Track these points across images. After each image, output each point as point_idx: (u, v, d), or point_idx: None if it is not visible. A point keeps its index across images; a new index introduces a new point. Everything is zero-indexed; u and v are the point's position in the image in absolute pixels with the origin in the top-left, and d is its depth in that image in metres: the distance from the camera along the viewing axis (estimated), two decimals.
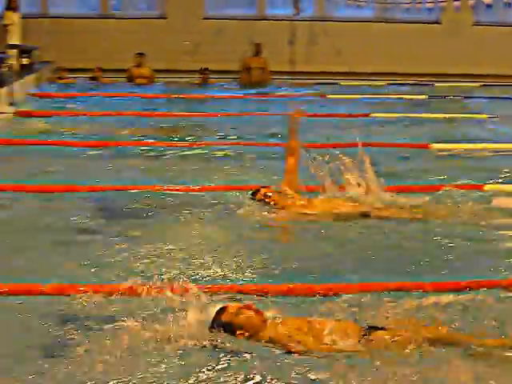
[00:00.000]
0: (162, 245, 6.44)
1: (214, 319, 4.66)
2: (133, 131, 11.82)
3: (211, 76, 17.69)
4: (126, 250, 6.31)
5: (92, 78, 17.79)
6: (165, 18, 18.85)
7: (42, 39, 17.57)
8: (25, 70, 16.15)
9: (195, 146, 10.64)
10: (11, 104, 13.95)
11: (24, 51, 16.44)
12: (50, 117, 13.05)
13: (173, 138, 11.30)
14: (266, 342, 4.58)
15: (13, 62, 15.65)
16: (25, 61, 16.27)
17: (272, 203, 7.25)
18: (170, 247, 6.41)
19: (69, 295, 5.28)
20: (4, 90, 13.91)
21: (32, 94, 15.60)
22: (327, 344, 4.53)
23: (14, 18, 16.31)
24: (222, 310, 4.69)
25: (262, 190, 7.32)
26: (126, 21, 18.92)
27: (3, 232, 6.84)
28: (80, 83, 17.39)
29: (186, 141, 11.02)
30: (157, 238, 6.63)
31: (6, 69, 14.39)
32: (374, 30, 18.75)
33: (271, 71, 17.91)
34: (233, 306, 4.72)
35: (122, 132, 11.74)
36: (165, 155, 10.10)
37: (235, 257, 6.26)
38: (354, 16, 19.66)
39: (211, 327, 4.64)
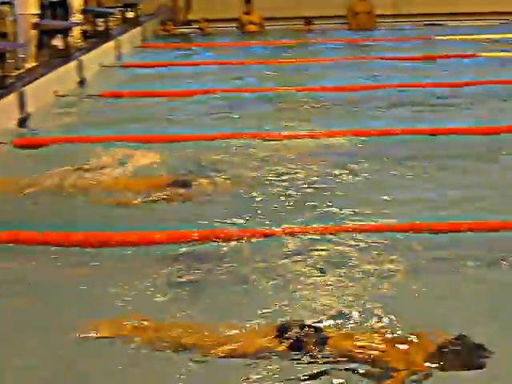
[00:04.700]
0: None
1: None
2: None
3: (317, 22, 17.55)
4: None
5: (198, 29, 17.88)
6: None
7: None
8: (130, 23, 16.36)
9: None
10: (118, 57, 14.18)
11: (129, 5, 16.64)
12: (154, 67, 13.16)
13: None
14: None
15: (118, 15, 15.87)
16: (130, 14, 16.49)
17: None
18: None
19: None
20: (111, 43, 14.14)
21: (138, 46, 15.81)
22: None
23: None
24: None
25: None
26: None
27: None
28: (185, 34, 17.51)
29: None
30: None
31: (112, 23, 14.58)
32: None
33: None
34: None
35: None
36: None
37: None
38: None
39: None
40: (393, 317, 4.18)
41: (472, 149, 7.59)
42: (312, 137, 8.11)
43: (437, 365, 3.69)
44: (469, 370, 3.70)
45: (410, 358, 3.71)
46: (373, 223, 5.60)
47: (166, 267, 5.01)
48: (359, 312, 4.28)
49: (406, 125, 8.53)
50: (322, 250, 5.19)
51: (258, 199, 6.22)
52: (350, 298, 4.49)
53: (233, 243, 5.30)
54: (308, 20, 17.64)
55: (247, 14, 17.69)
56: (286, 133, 8.25)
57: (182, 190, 6.29)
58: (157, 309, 4.44)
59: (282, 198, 6.20)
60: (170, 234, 5.51)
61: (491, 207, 5.99)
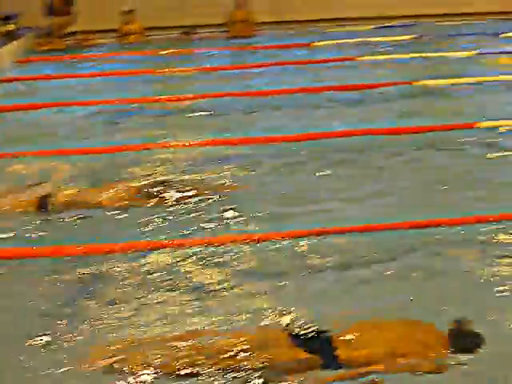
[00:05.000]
0: None
1: None
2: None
3: (199, 31, 17.68)
4: None
5: (80, 41, 17.64)
6: None
7: (28, 3, 17.47)
8: (10, 36, 16.01)
9: None
10: None
11: (9, 17, 16.28)
12: (35, 81, 12.98)
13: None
14: None
15: None
16: (10, 27, 16.12)
17: None
18: None
19: None
20: None
21: (17, 60, 15.50)
22: None
23: None
24: None
25: None
26: None
27: None
28: (66, 47, 17.28)
29: None
30: None
31: None
32: None
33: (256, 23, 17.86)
34: None
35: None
36: None
37: None
38: None
39: None
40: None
41: (357, 151, 7.87)
42: (203, 145, 8.26)
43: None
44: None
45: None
46: (275, 231, 5.80)
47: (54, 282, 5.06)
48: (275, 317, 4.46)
49: (287, 132, 8.75)
50: (226, 259, 5.33)
51: (157, 210, 6.29)
52: (266, 306, 4.65)
53: (136, 254, 5.36)
54: (188, 30, 17.71)
55: (127, 24, 17.63)
56: (175, 142, 8.36)
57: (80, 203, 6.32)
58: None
59: (182, 209, 6.31)
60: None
61: (387, 210, 6.30)
